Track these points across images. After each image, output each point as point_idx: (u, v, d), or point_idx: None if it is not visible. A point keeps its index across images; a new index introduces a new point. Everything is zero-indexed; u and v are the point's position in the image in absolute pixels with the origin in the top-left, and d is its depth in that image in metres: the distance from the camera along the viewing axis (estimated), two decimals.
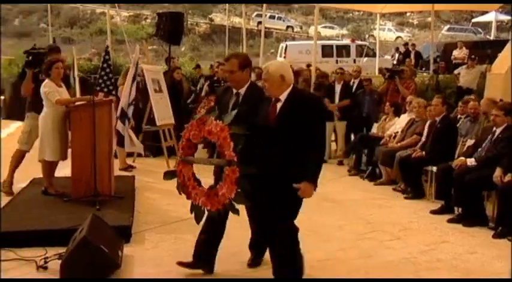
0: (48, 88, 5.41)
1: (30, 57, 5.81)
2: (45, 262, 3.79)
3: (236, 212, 3.33)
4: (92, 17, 31.71)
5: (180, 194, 3.57)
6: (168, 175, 3.71)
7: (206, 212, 3.44)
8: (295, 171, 3.17)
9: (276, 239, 3.35)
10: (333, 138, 9.08)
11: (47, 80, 5.49)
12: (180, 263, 3.72)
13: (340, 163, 8.49)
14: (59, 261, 3.65)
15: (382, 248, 4.55)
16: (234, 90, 3.73)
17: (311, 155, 3.21)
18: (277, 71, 3.27)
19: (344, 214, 5.58)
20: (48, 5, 21.06)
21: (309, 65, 11.68)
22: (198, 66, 12.90)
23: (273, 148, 3.21)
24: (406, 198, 6.24)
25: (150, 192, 6.25)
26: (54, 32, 22.45)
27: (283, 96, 3.27)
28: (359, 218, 5.47)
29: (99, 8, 28.87)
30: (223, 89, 4.20)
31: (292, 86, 3.33)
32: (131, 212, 5.00)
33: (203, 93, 9.51)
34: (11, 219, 4.59)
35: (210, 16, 35.85)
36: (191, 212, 3.50)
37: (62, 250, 3.83)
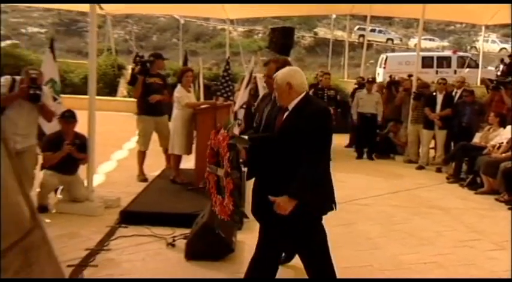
0: (179, 93, 5.78)
1: (140, 65, 6.10)
2: (173, 240, 4.04)
3: (238, 223, 3.19)
4: (213, 32, 33.03)
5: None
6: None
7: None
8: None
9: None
10: (431, 145, 8.80)
11: (179, 86, 5.86)
12: None
13: (439, 170, 8.17)
14: (184, 241, 3.88)
15: (484, 257, 4.23)
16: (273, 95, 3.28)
17: (302, 167, 2.70)
18: (284, 79, 2.84)
19: (444, 220, 5.31)
20: (180, 23, 22.47)
21: (410, 75, 11.24)
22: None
23: (274, 160, 2.85)
24: (510, 209, 5.77)
25: None
26: (183, 45, 23.72)
27: (291, 105, 2.85)
28: (460, 225, 5.17)
29: (219, 25, 30.15)
30: (264, 95, 3.94)
31: (304, 94, 2.86)
32: (243, 202, 5.15)
33: None
34: (146, 202, 4.98)
35: (314, 30, 35.74)
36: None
37: (186, 231, 4.06)
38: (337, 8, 15.62)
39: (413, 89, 9.18)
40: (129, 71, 11.52)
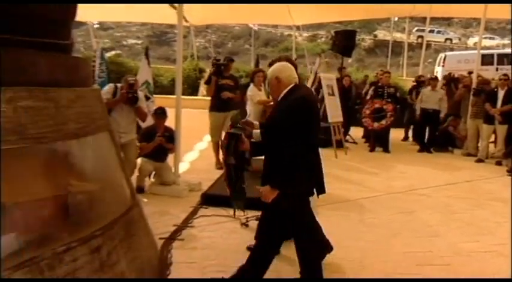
0: (252, 92, 5.84)
1: (215, 68, 6.14)
2: (247, 221, 4.07)
3: (238, 208, 3.09)
4: (281, 38, 33.03)
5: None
6: None
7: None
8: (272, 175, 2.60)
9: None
10: (491, 139, 8.30)
11: (251, 85, 5.92)
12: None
13: (499, 163, 7.63)
14: (256, 222, 3.91)
15: None
16: None
17: (279, 156, 2.54)
18: (272, 74, 2.71)
19: (504, 212, 4.87)
20: (252, 30, 22.68)
21: (470, 72, 10.54)
22: (366, 76, 12.92)
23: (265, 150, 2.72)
24: None
25: None
26: (254, 50, 23.96)
27: (279, 98, 2.70)
28: None
29: (286, 31, 30.06)
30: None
31: (291, 86, 2.66)
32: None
33: (368, 97, 9.32)
34: (223, 187, 5.06)
35: (374, 33, 34.50)
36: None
37: (258, 213, 4.10)
38: (397, 10, 14.96)
39: (473, 86, 8.64)
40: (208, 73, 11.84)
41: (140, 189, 4.93)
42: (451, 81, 10.11)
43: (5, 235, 1.96)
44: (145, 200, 4.66)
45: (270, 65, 3.11)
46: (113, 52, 23.43)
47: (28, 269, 1.87)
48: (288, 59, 3.23)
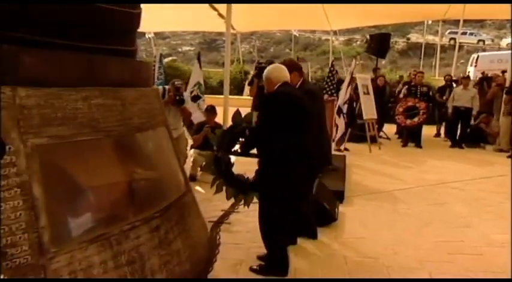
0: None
1: (257, 70, 6.04)
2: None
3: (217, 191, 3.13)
4: (319, 42, 32.46)
5: None
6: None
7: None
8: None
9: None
10: None
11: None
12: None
13: None
14: None
15: None
16: None
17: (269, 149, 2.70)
18: (265, 75, 2.82)
19: None
20: (292, 35, 22.49)
21: (503, 72, 9.89)
22: (401, 77, 12.51)
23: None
24: None
25: (356, 168, 6.14)
26: (294, 54, 23.74)
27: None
28: None
29: (324, 36, 29.51)
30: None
31: (278, 84, 2.71)
32: (343, 181, 4.97)
33: (401, 95, 8.98)
34: None
35: (407, 36, 33.09)
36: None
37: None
38: (431, 13, 14.23)
39: (507, 84, 8.10)
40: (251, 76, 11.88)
41: (193, 178, 5.01)
42: (484, 80, 9.54)
43: (82, 214, 2.07)
44: (197, 187, 4.74)
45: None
46: (170, 58, 24.00)
47: (100, 243, 1.97)
48: (291, 60, 3.38)
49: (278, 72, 2.82)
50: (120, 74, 2.31)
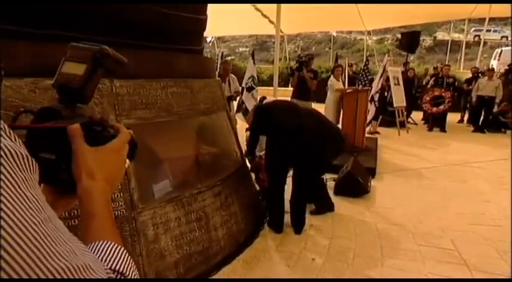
0: (332, 82, 5.53)
1: (298, 64, 5.57)
2: (326, 181, 3.92)
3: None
4: (354, 42, 30.76)
5: None
6: None
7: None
8: None
9: None
10: None
11: (331, 77, 5.59)
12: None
13: None
14: (333, 182, 3.73)
15: None
16: None
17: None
18: None
19: None
20: (331, 36, 21.40)
21: None
22: (427, 69, 11.59)
23: None
24: None
25: (387, 149, 5.78)
26: (332, 52, 22.72)
27: None
28: None
29: (359, 36, 27.84)
30: None
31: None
32: (375, 159, 4.73)
33: (429, 86, 8.25)
34: None
35: (434, 35, 30.20)
36: None
37: (335, 176, 3.89)
38: (457, 13, 12.77)
39: None
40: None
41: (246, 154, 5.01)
42: (510, 72, 8.46)
43: (161, 180, 2.11)
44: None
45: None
46: (229, 57, 24.15)
47: (175, 203, 2.00)
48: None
49: None
50: (189, 68, 2.29)
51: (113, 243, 0.40)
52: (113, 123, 0.49)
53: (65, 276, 0.28)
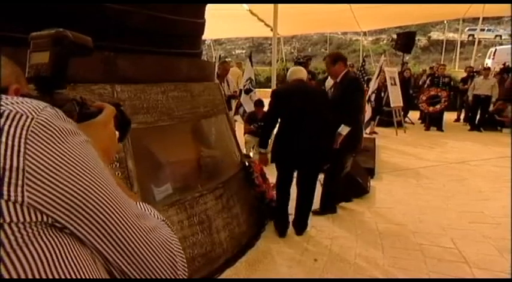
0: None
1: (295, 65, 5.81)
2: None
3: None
4: (349, 42, 30.92)
5: None
6: None
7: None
8: None
9: None
10: None
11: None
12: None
13: None
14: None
15: None
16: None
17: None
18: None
19: None
20: (327, 37, 21.52)
21: None
22: (424, 70, 11.58)
23: None
24: None
25: (385, 149, 5.80)
26: (328, 53, 22.79)
27: None
28: None
29: (354, 37, 28.02)
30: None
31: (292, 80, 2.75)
32: (374, 160, 4.73)
33: (425, 86, 8.30)
34: None
35: (429, 34, 30.43)
36: None
37: None
38: (451, 13, 12.88)
39: None
40: None
41: (246, 157, 5.02)
42: (504, 71, 8.55)
43: (163, 184, 2.12)
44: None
45: (324, 59, 3.20)
46: (228, 59, 24.20)
47: (177, 206, 2.01)
48: (338, 53, 3.19)
49: (291, 73, 2.84)
50: (189, 71, 2.31)
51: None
52: (98, 103, 0.54)
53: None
